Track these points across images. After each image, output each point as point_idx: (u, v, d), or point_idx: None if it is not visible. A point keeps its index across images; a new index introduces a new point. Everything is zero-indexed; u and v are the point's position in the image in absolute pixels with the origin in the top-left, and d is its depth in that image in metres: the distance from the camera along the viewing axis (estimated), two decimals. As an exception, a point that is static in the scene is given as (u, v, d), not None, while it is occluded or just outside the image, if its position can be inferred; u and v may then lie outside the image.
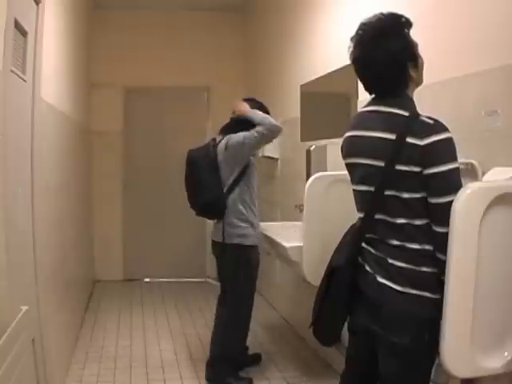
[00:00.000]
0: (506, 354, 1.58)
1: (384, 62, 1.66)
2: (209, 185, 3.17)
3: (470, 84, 2.09)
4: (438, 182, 1.56)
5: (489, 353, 1.56)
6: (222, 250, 3.25)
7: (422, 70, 1.75)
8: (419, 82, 1.76)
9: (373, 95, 1.77)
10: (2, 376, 1.53)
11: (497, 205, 1.49)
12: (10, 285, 1.91)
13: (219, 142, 3.29)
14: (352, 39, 1.74)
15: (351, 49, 1.75)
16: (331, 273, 1.82)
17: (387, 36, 1.67)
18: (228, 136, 3.24)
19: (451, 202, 1.51)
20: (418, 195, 1.60)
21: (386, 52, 1.65)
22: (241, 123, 3.22)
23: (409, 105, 1.68)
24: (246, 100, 3.36)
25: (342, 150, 1.86)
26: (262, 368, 3.50)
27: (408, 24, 1.71)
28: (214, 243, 3.31)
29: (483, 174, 1.93)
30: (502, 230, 1.54)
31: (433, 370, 1.73)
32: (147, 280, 5.88)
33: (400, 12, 1.74)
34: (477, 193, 1.49)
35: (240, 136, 3.16)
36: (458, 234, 1.47)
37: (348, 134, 1.81)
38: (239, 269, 3.20)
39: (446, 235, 1.52)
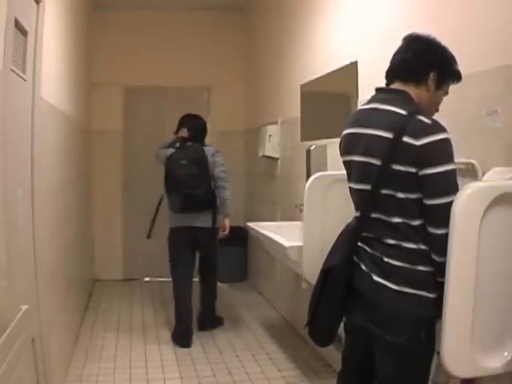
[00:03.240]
0: (505, 353, 1.58)
1: (418, 49, 1.72)
2: (206, 182, 3.92)
3: (470, 84, 2.09)
4: (433, 183, 1.56)
5: (489, 353, 1.56)
6: (208, 233, 4.00)
7: (441, 97, 1.78)
8: (433, 102, 1.77)
9: (373, 94, 1.77)
10: (2, 375, 1.53)
11: (497, 205, 1.49)
12: (10, 284, 1.91)
13: (203, 147, 4.03)
14: (405, 39, 1.79)
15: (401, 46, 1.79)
16: (327, 272, 1.82)
17: (433, 48, 1.74)
18: (211, 148, 4.07)
19: (447, 203, 1.50)
20: (413, 196, 1.60)
21: (426, 46, 1.73)
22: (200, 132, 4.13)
23: (408, 104, 1.68)
24: (190, 116, 4.19)
25: (339, 148, 1.86)
26: (262, 368, 3.50)
27: (457, 75, 1.78)
28: (199, 228, 3.97)
29: (483, 174, 1.93)
30: (502, 230, 1.53)
31: (432, 370, 1.73)
32: (147, 279, 5.88)
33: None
34: (477, 193, 1.49)
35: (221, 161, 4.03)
36: (457, 234, 1.47)
37: (346, 131, 1.81)
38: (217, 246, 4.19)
39: (440, 236, 1.52)
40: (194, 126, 4.10)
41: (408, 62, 1.73)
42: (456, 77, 1.78)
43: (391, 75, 1.78)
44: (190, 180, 3.81)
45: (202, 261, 4.28)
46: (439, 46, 1.75)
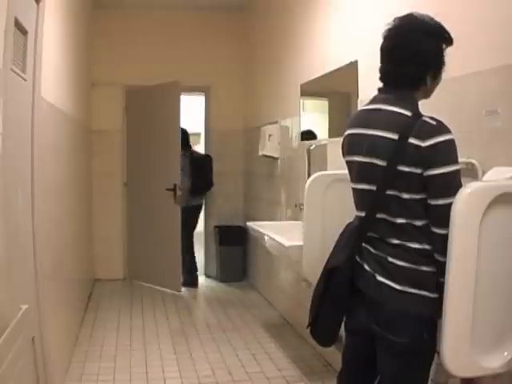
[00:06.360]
0: (505, 353, 1.58)
1: (410, 54, 1.67)
2: None
3: (471, 84, 2.09)
4: (438, 183, 1.56)
5: (489, 353, 1.56)
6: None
7: (435, 87, 1.77)
8: (427, 95, 1.77)
9: (376, 94, 1.77)
10: (2, 375, 1.53)
11: (497, 205, 1.49)
12: (10, 284, 1.91)
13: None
14: (389, 25, 1.74)
15: (385, 34, 1.75)
16: (330, 272, 1.82)
17: (424, 34, 1.68)
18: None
19: (451, 204, 1.50)
20: (417, 196, 1.60)
21: (416, 47, 1.66)
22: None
23: (412, 105, 1.68)
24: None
25: (342, 148, 1.85)
26: (262, 368, 3.50)
27: (448, 41, 1.72)
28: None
29: (483, 173, 1.93)
30: (501, 230, 1.53)
31: (432, 370, 1.73)
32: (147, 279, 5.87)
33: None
34: (477, 193, 1.49)
35: None
36: (457, 233, 1.47)
37: (349, 131, 1.81)
38: None
39: (444, 237, 1.52)
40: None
41: (403, 74, 1.70)
42: (449, 43, 1.73)
43: (386, 82, 1.76)
44: None
45: None
46: (435, 35, 1.69)
